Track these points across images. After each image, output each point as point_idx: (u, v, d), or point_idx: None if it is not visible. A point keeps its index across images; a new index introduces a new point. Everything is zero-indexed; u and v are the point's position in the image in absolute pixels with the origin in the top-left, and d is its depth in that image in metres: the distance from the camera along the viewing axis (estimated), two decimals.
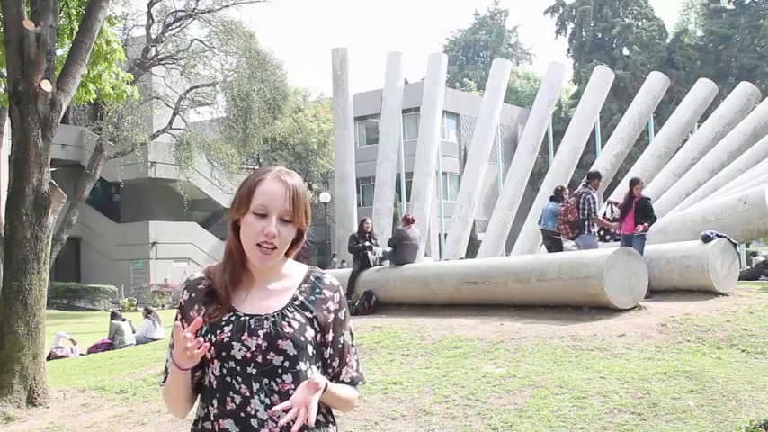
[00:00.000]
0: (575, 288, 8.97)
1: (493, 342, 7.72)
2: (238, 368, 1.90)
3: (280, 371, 1.90)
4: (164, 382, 2.01)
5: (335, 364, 2.03)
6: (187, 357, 1.85)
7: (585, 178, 11.35)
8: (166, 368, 2.03)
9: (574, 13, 54.78)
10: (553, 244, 12.09)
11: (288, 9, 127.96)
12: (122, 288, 32.28)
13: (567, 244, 12.19)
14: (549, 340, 7.56)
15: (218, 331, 1.93)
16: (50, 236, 7.00)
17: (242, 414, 1.89)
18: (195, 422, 1.99)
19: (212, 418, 1.92)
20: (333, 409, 2.06)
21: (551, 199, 12.51)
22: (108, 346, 13.57)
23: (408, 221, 12.11)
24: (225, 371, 1.91)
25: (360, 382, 2.08)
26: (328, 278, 2.07)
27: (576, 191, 11.30)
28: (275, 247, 1.92)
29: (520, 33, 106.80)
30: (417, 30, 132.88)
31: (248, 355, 1.90)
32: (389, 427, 5.55)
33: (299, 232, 1.99)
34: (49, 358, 10.76)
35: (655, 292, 9.41)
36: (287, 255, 2.03)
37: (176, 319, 2.03)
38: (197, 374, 1.99)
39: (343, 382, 2.04)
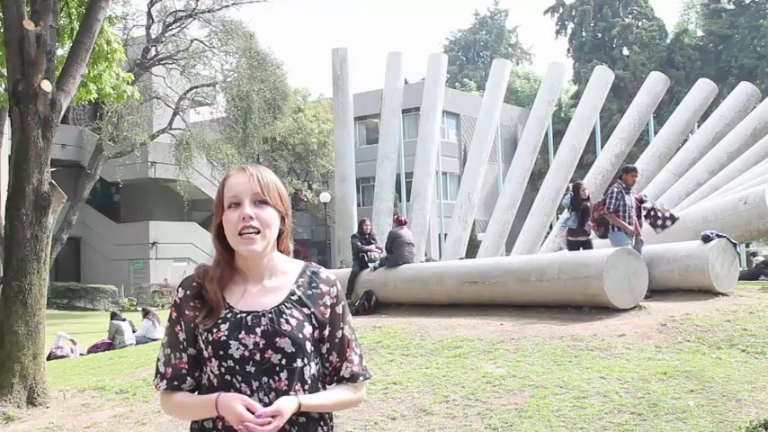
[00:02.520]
0: (575, 288, 8.97)
1: (493, 342, 7.72)
2: (237, 367, 1.89)
3: (277, 368, 1.90)
4: (166, 387, 1.98)
5: (334, 358, 2.01)
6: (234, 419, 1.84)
7: (621, 172, 10.45)
8: (157, 368, 2.01)
9: (574, 13, 54.78)
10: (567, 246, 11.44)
11: (288, 9, 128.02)
12: (122, 288, 32.29)
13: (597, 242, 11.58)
14: (549, 340, 7.56)
15: (215, 329, 1.92)
16: (50, 236, 7.00)
17: None
18: (194, 421, 1.97)
19: (214, 417, 1.91)
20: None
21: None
22: (108, 346, 13.57)
23: (400, 222, 12.10)
24: (224, 369, 1.90)
25: (362, 378, 2.05)
26: (324, 273, 2.06)
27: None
28: (258, 231, 1.92)
29: (520, 33, 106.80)
30: (417, 30, 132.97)
31: (246, 353, 1.89)
32: (389, 427, 5.55)
33: (282, 221, 1.99)
34: (49, 358, 10.76)
35: (655, 292, 9.41)
36: (279, 249, 2.02)
37: (171, 317, 2.02)
38: (196, 375, 1.99)
39: (342, 377, 2.02)
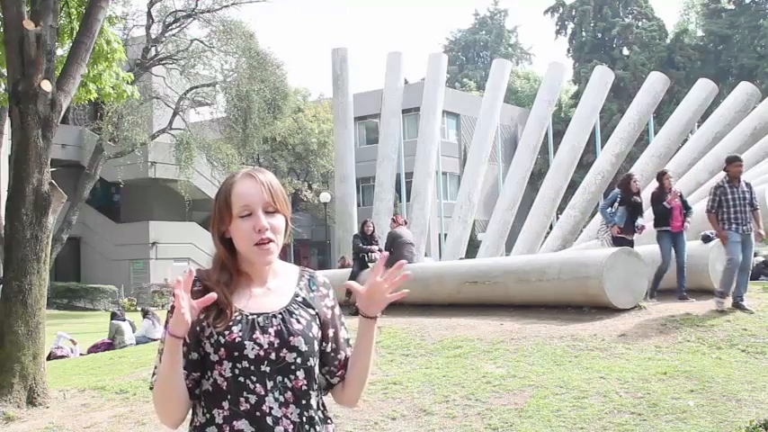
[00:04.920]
0: (575, 288, 8.97)
1: (493, 342, 7.72)
2: (252, 367, 1.89)
3: (293, 367, 1.92)
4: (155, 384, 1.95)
5: (341, 356, 2.06)
6: (182, 321, 1.81)
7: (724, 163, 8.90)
8: (153, 373, 1.97)
9: (574, 13, 54.80)
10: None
11: (288, 9, 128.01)
12: (122, 288, 32.28)
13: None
14: (548, 340, 7.57)
15: (227, 332, 1.91)
16: (50, 236, 7.00)
17: (257, 413, 1.88)
18: (196, 428, 1.94)
19: (220, 422, 1.89)
20: (327, 407, 2.06)
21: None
22: (108, 346, 13.57)
23: (399, 223, 12.09)
24: (237, 371, 1.89)
25: None
26: (321, 277, 2.12)
27: None
28: (271, 240, 1.94)
29: (520, 33, 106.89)
30: (417, 30, 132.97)
31: (261, 353, 1.90)
32: (389, 427, 5.55)
33: (287, 223, 2.02)
34: (49, 358, 10.75)
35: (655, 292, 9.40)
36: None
37: (167, 322, 1.97)
38: (193, 375, 1.94)
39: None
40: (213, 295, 1.87)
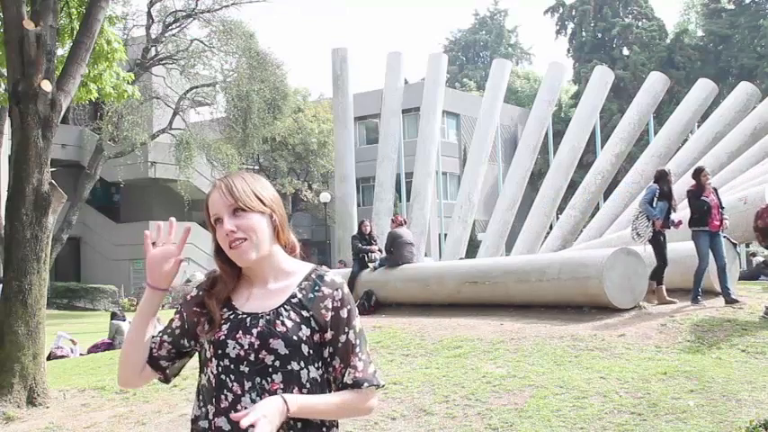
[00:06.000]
0: (575, 288, 8.97)
1: (493, 342, 7.72)
2: (232, 366, 1.91)
3: (270, 370, 1.90)
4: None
5: (337, 363, 1.97)
6: (162, 273, 2.01)
7: None
8: None
9: (574, 13, 54.80)
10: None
11: (288, 9, 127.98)
12: (122, 288, 32.28)
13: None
14: (548, 340, 7.57)
15: (217, 330, 1.96)
16: (50, 236, 7.00)
17: (233, 412, 1.89)
18: (193, 421, 2.00)
19: (210, 417, 1.93)
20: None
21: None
22: (108, 346, 13.55)
23: (398, 223, 12.10)
24: (220, 369, 1.93)
25: (366, 384, 1.97)
26: (330, 276, 2.02)
27: None
28: (243, 239, 1.93)
29: (520, 33, 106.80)
30: (417, 30, 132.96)
31: (241, 353, 1.91)
32: (389, 427, 5.56)
33: (271, 218, 1.99)
34: (49, 358, 10.75)
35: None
36: (282, 244, 2.02)
37: (177, 308, 2.09)
38: (167, 346, 2.04)
39: (346, 384, 1.97)
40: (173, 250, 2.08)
